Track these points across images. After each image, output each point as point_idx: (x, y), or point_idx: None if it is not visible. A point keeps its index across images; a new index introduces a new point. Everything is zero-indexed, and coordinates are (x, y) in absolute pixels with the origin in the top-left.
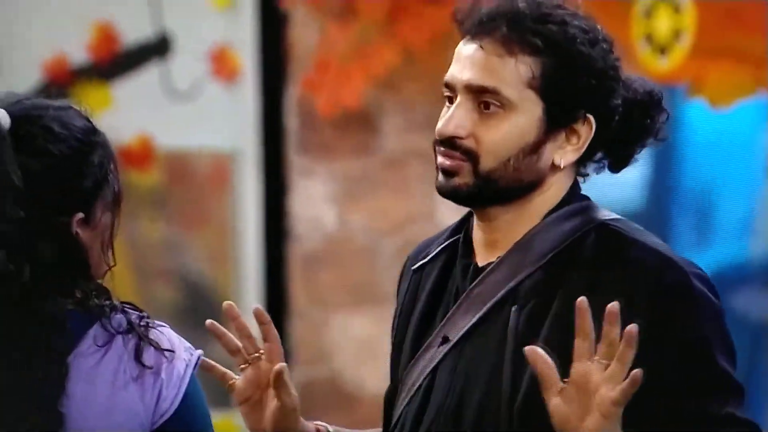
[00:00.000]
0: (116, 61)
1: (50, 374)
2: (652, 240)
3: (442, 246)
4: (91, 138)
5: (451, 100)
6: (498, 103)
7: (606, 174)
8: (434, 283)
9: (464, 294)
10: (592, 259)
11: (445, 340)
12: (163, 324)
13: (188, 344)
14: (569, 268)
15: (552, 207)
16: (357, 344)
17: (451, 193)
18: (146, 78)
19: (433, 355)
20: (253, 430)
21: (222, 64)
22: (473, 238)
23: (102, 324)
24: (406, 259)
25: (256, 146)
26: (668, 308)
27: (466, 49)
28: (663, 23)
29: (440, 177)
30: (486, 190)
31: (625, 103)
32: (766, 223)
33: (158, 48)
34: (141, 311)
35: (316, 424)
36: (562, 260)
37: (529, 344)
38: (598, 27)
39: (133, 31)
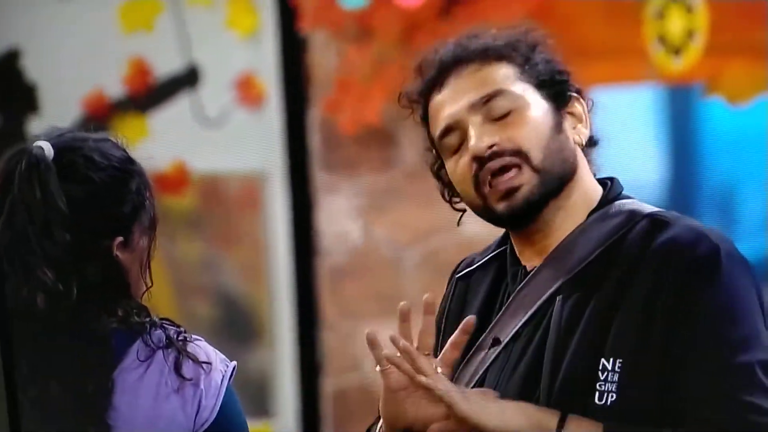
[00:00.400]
0: (150, 94)
1: (98, 389)
2: (690, 221)
3: (492, 254)
4: (128, 167)
5: (456, 150)
6: (508, 104)
7: (627, 174)
8: (488, 288)
9: (512, 296)
10: (631, 248)
11: (496, 342)
12: (199, 338)
13: (223, 356)
14: (612, 261)
15: (593, 207)
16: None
17: (522, 208)
18: (178, 108)
19: (484, 357)
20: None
21: (247, 91)
22: (517, 251)
23: (143, 340)
24: (454, 269)
25: (282, 166)
26: (697, 279)
27: (446, 92)
28: (676, 24)
29: (502, 204)
30: (548, 185)
31: None
32: None
33: (188, 79)
34: (178, 326)
35: None
36: (606, 256)
37: (570, 332)
38: (529, 34)
39: (165, 65)
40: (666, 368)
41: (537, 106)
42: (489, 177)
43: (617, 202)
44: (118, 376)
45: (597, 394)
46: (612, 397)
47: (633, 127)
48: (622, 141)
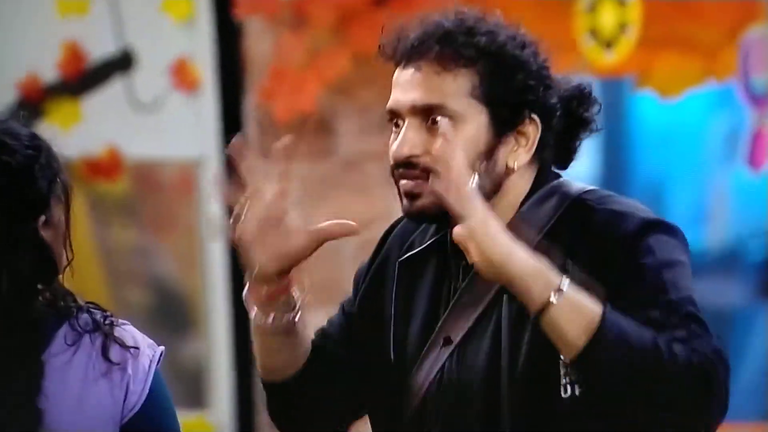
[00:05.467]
0: (83, 78)
1: (27, 374)
2: (619, 203)
3: (431, 240)
4: (36, 143)
5: (397, 125)
6: (444, 120)
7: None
8: (432, 279)
9: (457, 294)
10: (569, 234)
11: (447, 341)
12: (126, 322)
13: (150, 341)
14: (552, 249)
15: (523, 198)
16: None
17: (419, 215)
18: (112, 92)
19: (437, 356)
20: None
21: (183, 77)
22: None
23: (70, 324)
24: (387, 230)
25: (217, 153)
26: (626, 249)
27: (404, 74)
28: (608, 17)
29: (405, 202)
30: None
31: (560, 101)
32: (718, 212)
33: (122, 63)
34: (104, 311)
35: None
36: (544, 246)
37: (522, 328)
38: (523, 32)
39: (99, 49)
40: None
41: (472, 130)
42: (398, 175)
43: (546, 187)
44: (45, 361)
45: (561, 388)
46: (577, 388)
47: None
48: None
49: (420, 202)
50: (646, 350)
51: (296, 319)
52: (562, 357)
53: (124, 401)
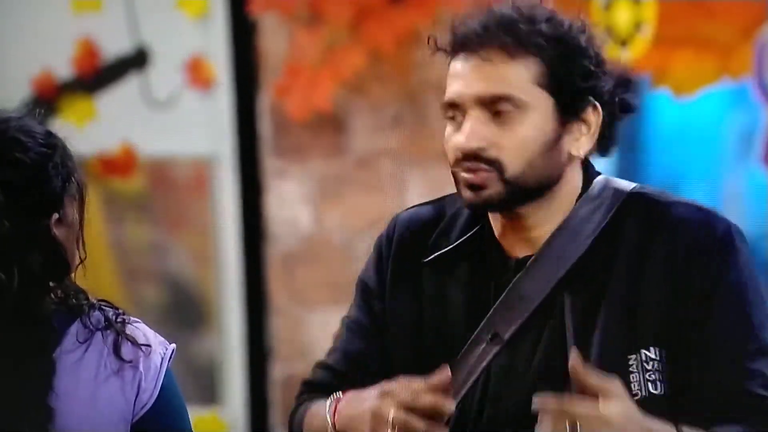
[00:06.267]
0: (98, 75)
1: (39, 371)
2: (683, 199)
3: (461, 240)
4: (51, 140)
5: (453, 118)
6: (512, 108)
7: None
8: (469, 277)
9: (508, 289)
10: (637, 230)
11: (496, 337)
12: (138, 320)
13: (162, 338)
14: (615, 246)
15: (578, 193)
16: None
17: (482, 206)
18: (126, 90)
19: (482, 352)
20: None
21: (197, 74)
22: (498, 235)
23: (82, 321)
24: (393, 231)
25: (232, 151)
26: (717, 258)
27: (465, 65)
28: (623, 15)
29: (468, 193)
30: (516, 194)
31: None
32: (732, 210)
33: (137, 61)
34: (116, 308)
35: None
36: (606, 240)
37: (591, 326)
38: (579, 17)
39: (114, 46)
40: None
41: (539, 118)
42: (463, 168)
43: (596, 181)
44: (57, 358)
45: (631, 385)
46: (659, 386)
47: None
48: None
49: (486, 193)
50: None
51: None
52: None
53: (136, 399)
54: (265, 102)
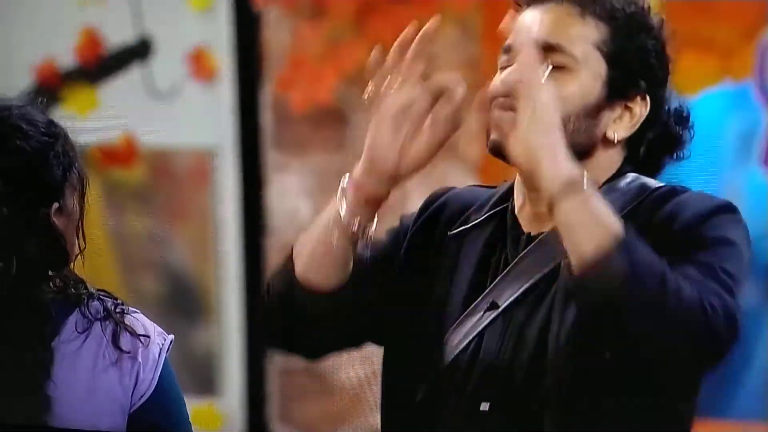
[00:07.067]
0: (101, 65)
1: (37, 360)
2: (700, 193)
3: (488, 213)
4: (53, 130)
5: (502, 65)
6: (564, 61)
7: None
8: (481, 250)
9: (514, 261)
10: (642, 217)
11: (493, 305)
12: (136, 310)
13: (160, 329)
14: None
15: (604, 180)
16: None
17: (499, 146)
18: (129, 80)
19: (478, 319)
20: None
21: (200, 65)
22: (517, 210)
23: (81, 311)
24: (429, 198)
25: (233, 143)
26: (708, 221)
27: (530, 14)
28: None
29: (495, 133)
30: None
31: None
32: None
33: (140, 51)
34: (115, 298)
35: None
36: None
37: (570, 303)
38: (658, 13)
39: (116, 36)
40: None
41: (588, 80)
42: (498, 104)
43: (629, 175)
44: (56, 348)
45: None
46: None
47: None
48: None
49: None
50: (653, 276)
51: (371, 234)
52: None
53: (134, 390)
54: (267, 95)
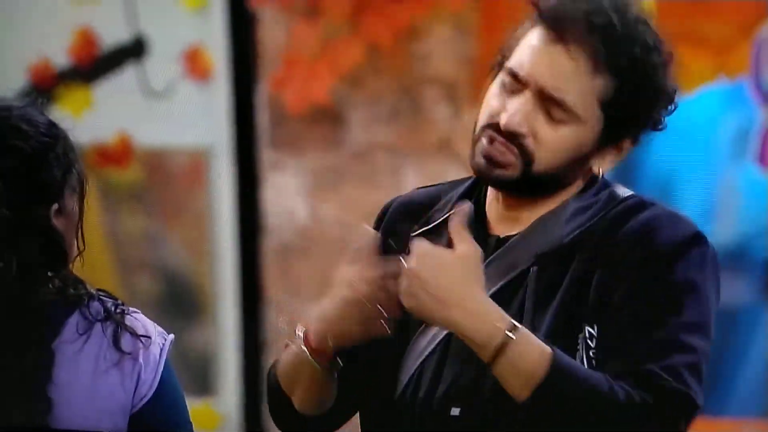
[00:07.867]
0: (95, 64)
1: (38, 362)
2: (666, 207)
3: (445, 216)
4: (53, 131)
5: (507, 85)
6: (565, 118)
7: None
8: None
9: (485, 263)
10: (609, 226)
11: None
12: (136, 310)
13: (160, 329)
14: (590, 240)
15: (578, 190)
16: None
17: (492, 181)
18: (124, 79)
19: None
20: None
21: (195, 65)
22: (488, 210)
23: (81, 312)
24: (387, 211)
25: (228, 142)
26: (668, 257)
27: (548, 47)
28: None
29: (483, 163)
30: (527, 184)
31: None
32: (727, 209)
33: (134, 50)
34: (115, 299)
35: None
36: (585, 236)
37: (546, 305)
38: (661, 38)
39: (111, 35)
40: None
41: (585, 134)
42: (492, 138)
43: (600, 187)
44: (56, 349)
45: (578, 359)
46: (593, 362)
47: None
48: None
49: (501, 173)
50: (589, 392)
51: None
52: (583, 333)
53: (135, 391)
54: (262, 94)
